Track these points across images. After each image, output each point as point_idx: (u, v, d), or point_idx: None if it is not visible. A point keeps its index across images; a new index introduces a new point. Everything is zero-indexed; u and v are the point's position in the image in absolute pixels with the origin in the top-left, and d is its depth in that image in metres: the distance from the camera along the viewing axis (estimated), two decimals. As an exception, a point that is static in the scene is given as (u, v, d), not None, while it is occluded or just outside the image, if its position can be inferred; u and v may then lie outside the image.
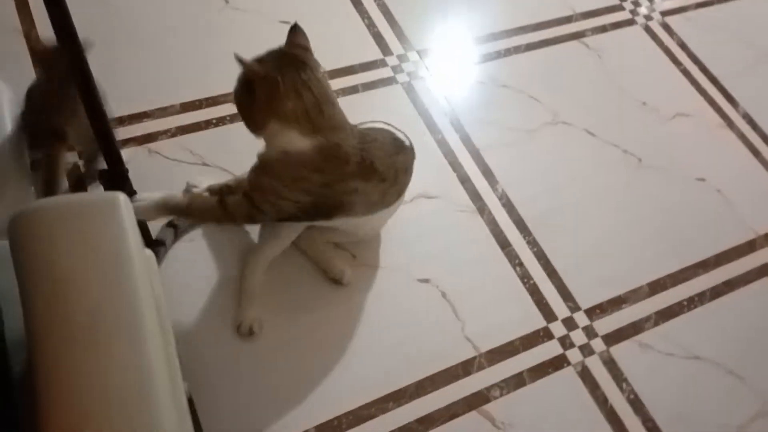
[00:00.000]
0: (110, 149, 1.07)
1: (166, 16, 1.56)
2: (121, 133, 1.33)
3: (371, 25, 1.65)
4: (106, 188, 1.09)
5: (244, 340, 1.15)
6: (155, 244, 1.20)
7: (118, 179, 1.08)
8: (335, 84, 1.52)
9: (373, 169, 1.10)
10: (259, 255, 1.21)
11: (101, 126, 1.05)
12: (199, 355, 1.13)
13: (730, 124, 1.67)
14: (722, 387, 1.26)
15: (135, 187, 1.11)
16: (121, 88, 1.41)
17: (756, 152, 1.62)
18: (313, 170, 1.06)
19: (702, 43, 1.80)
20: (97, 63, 0.98)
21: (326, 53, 1.55)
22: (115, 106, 1.36)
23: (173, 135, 1.37)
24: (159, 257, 1.19)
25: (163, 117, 1.39)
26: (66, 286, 0.58)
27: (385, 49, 1.62)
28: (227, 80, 1.47)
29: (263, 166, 1.08)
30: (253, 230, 1.28)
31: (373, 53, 1.60)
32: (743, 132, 1.65)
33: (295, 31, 1.13)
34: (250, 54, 1.55)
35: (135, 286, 0.59)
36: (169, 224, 1.23)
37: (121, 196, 0.66)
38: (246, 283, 1.19)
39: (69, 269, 0.59)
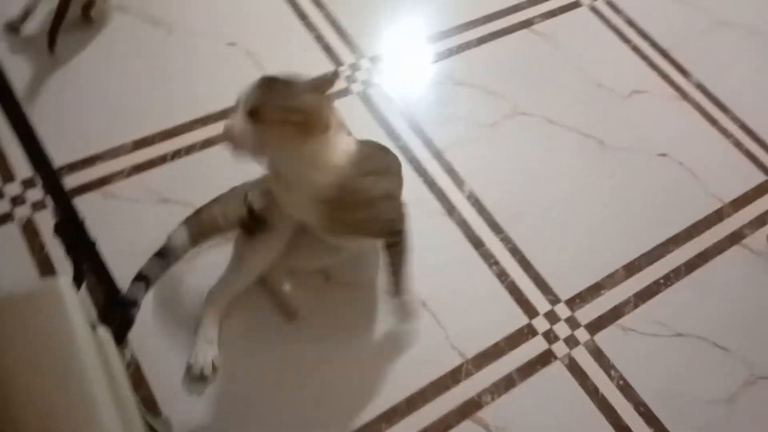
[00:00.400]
0: (61, 200, 1.04)
1: (108, 54, 1.52)
2: (74, 180, 1.29)
3: (320, 38, 1.63)
4: (63, 242, 1.05)
5: (196, 383, 1.11)
6: (128, 305, 1.16)
7: (73, 230, 1.05)
8: (289, 102, 1.50)
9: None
10: (220, 292, 1.18)
11: (49, 177, 1.01)
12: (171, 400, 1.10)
13: (685, 95, 1.68)
14: (709, 361, 1.28)
15: (96, 233, 1.07)
16: (68, 133, 1.37)
17: (713, 121, 1.64)
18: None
19: (649, 17, 1.82)
20: (40, 110, 0.94)
21: (277, 69, 1.53)
22: (65, 153, 1.33)
23: (128, 175, 1.34)
24: (130, 319, 1.14)
25: (115, 157, 1.35)
26: (11, 388, 0.54)
27: (336, 60, 1.60)
28: (179, 111, 1.45)
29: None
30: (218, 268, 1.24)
31: (325, 66, 1.58)
32: (698, 102, 1.67)
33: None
34: (202, 78, 1.53)
35: (86, 379, 0.56)
36: (139, 277, 1.18)
37: (62, 282, 0.62)
38: (203, 321, 1.15)
39: (12, 370, 0.56)
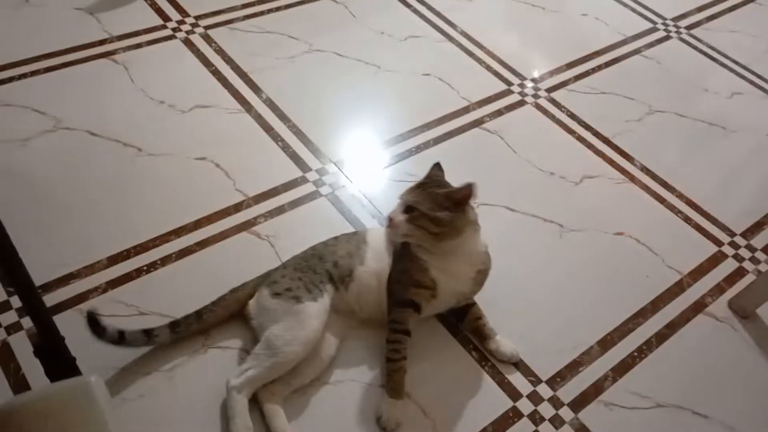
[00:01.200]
0: (41, 321, 1.03)
1: (79, 175, 1.55)
2: (51, 299, 1.29)
3: (286, 147, 1.71)
4: (44, 363, 1.04)
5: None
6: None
7: (54, 351, 1.04)
8: (262, 207, 1.55)
9: None
10: (249, 380, 1.16)
11: (30, 297, 1.02)
12: None
13: (632, 177, 1.80)
14: (690, 429, 1.30)
15: (74, 352, 1.06)
16: (43, 254, 1.37)
17: (661, 199, 1.75)
18: None
19: (589, 110, 1.97)
20: (13, 233, 0.96)
21: (246, 179, 1.60)
22: (40, 274, 1.33)
23: (104, 291, 1.34)
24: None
25: (90, 275, 1.36)
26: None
27: (303, 166, 1.67)
28: (153, 224, 1.48)
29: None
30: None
31: (293, 172, 1.65)
32: (645, 183, 1.79)
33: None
34: (175, 191, 1.56)
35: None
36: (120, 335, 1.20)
37: (93, 380, 0.63)
38: (235, 411, 1.14)
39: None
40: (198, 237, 1.46)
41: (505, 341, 1.35)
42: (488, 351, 1.34)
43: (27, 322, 1.26)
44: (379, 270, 1.29)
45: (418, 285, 1.25)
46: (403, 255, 1.28)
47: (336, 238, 1.36)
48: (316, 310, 1.21)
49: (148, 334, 1.21)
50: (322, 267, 1.28)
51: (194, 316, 1.26)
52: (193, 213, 1.51)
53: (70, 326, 1.21)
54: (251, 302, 1.29)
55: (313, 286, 1.24)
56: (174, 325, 1.24)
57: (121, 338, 1.19)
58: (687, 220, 1.71)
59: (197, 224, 1.49)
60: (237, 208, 1.54)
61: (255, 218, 1.52)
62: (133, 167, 1.59)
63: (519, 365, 1.34)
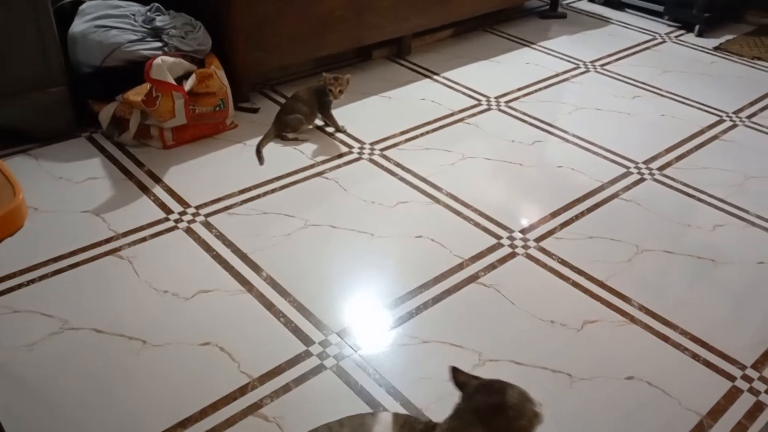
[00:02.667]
0: None
1: (84, 374, 1.56)
2: None
3: (288, 322, 1.73)
4: None
5: None
6: None
7: None
8: (267, 388, 1.54)
9: None
10: None
11: None
12: None
13: (632, 319, 1.81)
14: None
15: None
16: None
17: (665, 338, 1.75)
18: None
19: (578, 255, 2.03)
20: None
21: (250, 360, 1.60)
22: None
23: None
24: None
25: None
26: None
27: (306, 340, 1.69)
28: (157, 419, 1.46)
29: None
30: None
31: (296, 347, 1.66)
32: (646, 323, 1.80)
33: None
34: (181, 384, 1.56)
35: None
36: None
37: None
38: None
39: None
40: (205, 427, 1.44)
41: None
42: None
43: None
44: None
45: None
46: None
47: (341, 424, 1.26)
48: None
49: None
50: None
51: None
52: (198, 402, 1.50)
53: None
54: None
55: None
56: None
57: None
58: (695, 356, 1.70)
59: (203, 413, 1.47)
60: (242, 391, 1.53)
61: (261, 400, 1.51)
62: (138, 360, 1.60)
63: None
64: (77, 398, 1.50)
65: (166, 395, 1.52)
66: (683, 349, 1.72)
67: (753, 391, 1.60)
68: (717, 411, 1.55)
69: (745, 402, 1.57)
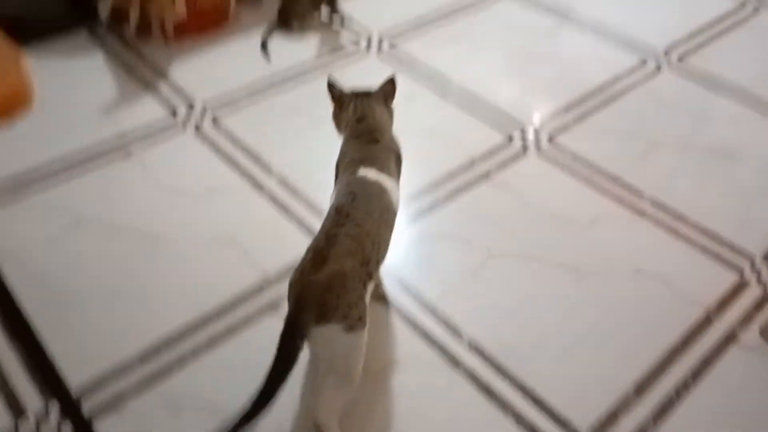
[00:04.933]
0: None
1: (99, 268, 1.60)
2: (87, 405, 1.31)
3: (300, 222, 1.74)
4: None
5: None
6: None
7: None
8: (283, 287, 1.57)
9: None
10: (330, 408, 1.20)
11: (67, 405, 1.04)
12: None
13: (642, 213, 1.81)
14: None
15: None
16: (71, 354, 1.40)
17: (675, 231, 1.76)
18: None
19: (591, 151, 2.00)
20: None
21: (267, 259, 1.61)
22: (73, 377, 1.36)
23: (140, 386, 1.36)
24: None
25: (124, 372, 1.39)
26: None
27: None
28: (179, 314, 1.50)
29: None
30: None
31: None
32: (657, 217, 1.80)
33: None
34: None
35: None
36: None
37: None
38: None
39: None
40: (223, 324, 1.49)
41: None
42: None
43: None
44: None
45: None
46: None
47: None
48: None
49: None
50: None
51: None
52: (216, 300, 1.54)
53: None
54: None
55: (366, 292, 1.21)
56: None
57: None
58: (704, 250, 1.71)
59: (222, 310, 1.52)
60: (260, 289, 1.57)
61: (280, 298, 1.55)
62: (155, 255, 1.63)
63: (558, 419, 1.33)
64: (93, 294, 1.54)
65: (185, 292, 1.56)
66: (693, 243, 1.73)
67: (760, 282, 1.63)
68: (724, 303, 1.58)
69: (752, 293, 1.60)
